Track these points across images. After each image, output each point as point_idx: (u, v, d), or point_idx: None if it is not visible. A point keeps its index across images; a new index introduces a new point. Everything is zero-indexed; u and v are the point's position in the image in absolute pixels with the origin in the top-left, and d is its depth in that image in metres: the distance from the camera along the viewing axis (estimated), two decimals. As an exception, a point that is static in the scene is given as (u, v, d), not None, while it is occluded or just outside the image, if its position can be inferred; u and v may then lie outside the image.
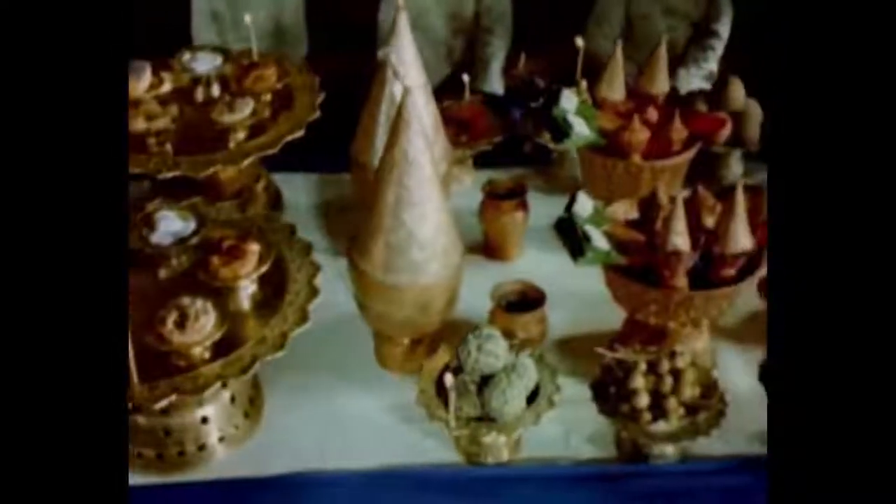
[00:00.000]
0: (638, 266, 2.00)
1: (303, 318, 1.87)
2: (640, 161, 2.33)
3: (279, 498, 1.89)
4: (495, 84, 3.40)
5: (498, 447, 1.93)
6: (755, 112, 2.66)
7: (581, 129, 2.32)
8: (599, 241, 1.98)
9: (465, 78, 2.81)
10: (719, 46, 3.35)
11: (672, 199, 2.05)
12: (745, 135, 2.64)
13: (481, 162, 2.80)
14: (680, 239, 1.91)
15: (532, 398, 1.91)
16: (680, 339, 2.08)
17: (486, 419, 1.86)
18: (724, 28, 3.30)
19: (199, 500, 1.89)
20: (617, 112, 2.45)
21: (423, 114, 2.24)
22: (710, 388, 1.92)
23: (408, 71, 2.25)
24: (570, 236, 2.00)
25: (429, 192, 1.94)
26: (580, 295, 2.24)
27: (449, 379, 1.82)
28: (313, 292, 1.93)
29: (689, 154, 2.37)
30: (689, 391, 1.88)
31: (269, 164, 2.63)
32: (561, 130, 2.32)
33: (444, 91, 3.23)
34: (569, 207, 2.06)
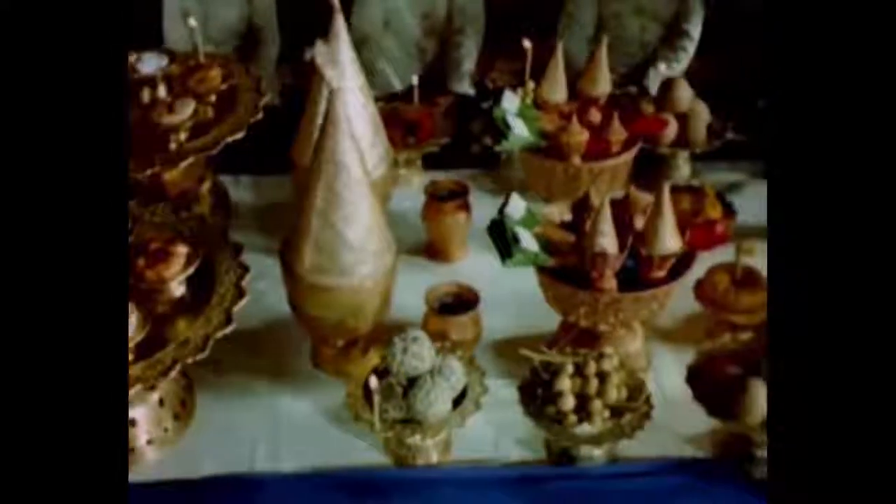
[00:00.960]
0: (569, 268, 2.00)
1: (227, 320, 1.86)
2: (578, 163, 2.34)
3: (207, 500, 1.89)
4: (467, 85, 3.41)
5: (427, 449, 1.93)
6: (701, 113, 2.67)
7: (520, 131, 2.32)
8: (529, 242, 1.98)
9: (415, 80, 2.81)
10: (690, 46, 3.35)
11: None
12: (690, 136, 2.64)
13: (431, 163, 2.81)
14: (606, 240, 1.91)
15: (460, 400, 1.91)
16: (613, 341, 2.08)
17: (412, 421, 1.86)
18: (694, 28, 3.30)
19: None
20: (560, 114, 2.45)
21: (357, 115, 2.25)
22: (637, 391, 1.92)
23: (344, 72, 2.25)
24: (500, 238, 2.00)
25: (358, 193, 1.94)
26: (522, 296, 2.23)
27: (373, 381, 1.82)
28: (240, 294, 1.93)
29: (629, 155, 2.37)
30: (615, 393, 1.88)
31: (225, 165, 2.65)
32: (500, 132, 2.32)
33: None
34: (501, 209, 2.06)
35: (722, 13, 3.47)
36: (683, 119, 2.64)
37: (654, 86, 3.23)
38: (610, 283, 1.96)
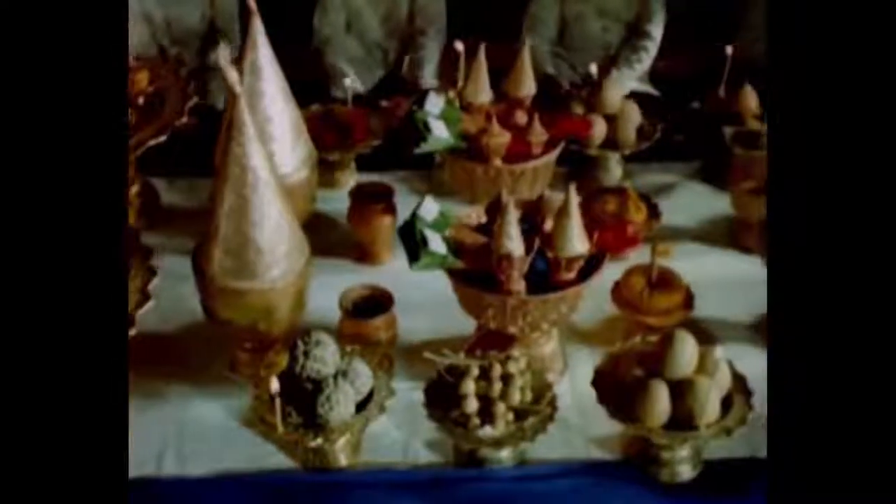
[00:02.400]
0: (479, 270, 2.00)
1: (130, 323, 1.86)
2: (499, 164, 2.33)
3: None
4: (429, 85, 3.40)
5: (335, 452, 1.93)
6: (631, 114, 2.67)
7: (440, 133, 2.32)
8: (437, 245, 1.98)
9: (348, 82, 2.81)
10: (652, 47, 3.37)
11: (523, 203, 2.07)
12: (619, 137, 2.64)
13: (367, 165, 2.81)
14: (512, 243, 1.91)
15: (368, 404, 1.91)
16: (528, 343, 2.08)
17: (314, 425, 1.86)
18: (656, 29, 3.32)
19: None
20: (487, 115, 2.44)
21: (276, 118, 2.25)
22: (542, 393, 1.91)
23: (264, 74, 2.24)
24: (410, 240, 2.00)
25: (266, 197, 1.94)
26: (447, 299, 2.22)
27: (274, 384, 1.82)
28: (145, 298, 1.92)
29: (550, 157, 2.37)
30: (519, 396, 1.88)
31: (163, 167, 2.67)
32: (420, 133, 2.31)
33: (379, 93, 3.26)
34: (413, 212, 2.06)
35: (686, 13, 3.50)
36: (612, 120, 2.64)
37: (616, 86, 3.25)
38: (518, 285, 1.96)
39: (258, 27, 2.25)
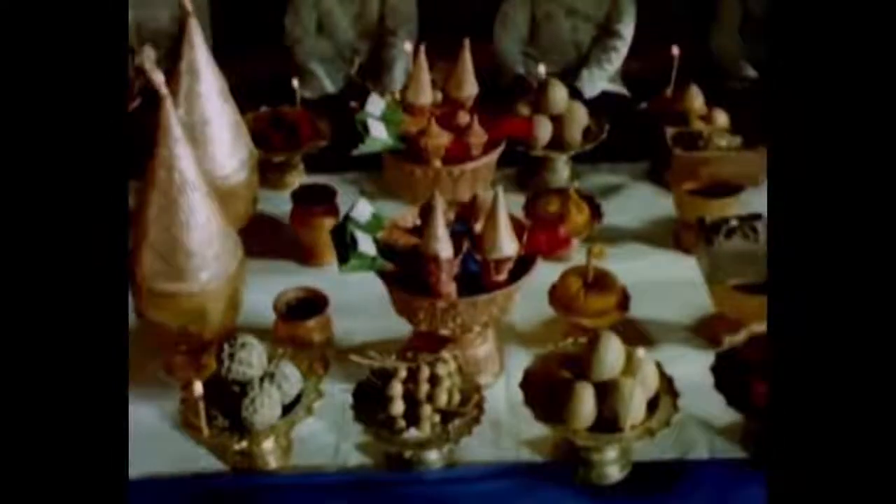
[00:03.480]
0: (412, 273, 2.00)
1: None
2: (438, 166, 2.33)
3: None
4: (400, 85, 3.39)
5: (264, 455, 1.93)
6: (577, 115, 2.67)
7: (379, 134, 2.32)
8: (367, 247, 1.98)
9: (295, 83, 2.80)
10: (622, 47, 3.38)
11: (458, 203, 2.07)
12: (565, 138, 2.64)
13: (316, 166, 2.80)
14: (440, 245, 1.91)
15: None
16: (463, 345, 2.08)
17: (239, 427, 1.85)
18: (626, 29, 3.33)
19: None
20: (431, 116, 2.44)
21: (214, 120, 2.25)
22: (471, 396, 1.91)
23: (202, 75, 2.24)
24: (341, 242, 2.00)
25: (195, 199, 1.94)
26: (387, 301, 2.22)
27: (198, 388, 1.82)
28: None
29: (490, 158, 2.37)
30: (446, 398, 1.88)
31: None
32: (359, 135, 2.31)
33: (350, 94, 3.25)
34: (346, 213, 2.06)
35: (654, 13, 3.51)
36: (558, 121, 2.64)
37: (586, 86, 3.25)
38: (448, 287, 1.95)
39: (194, 27, 2.24)
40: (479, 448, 1.98)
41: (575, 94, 3.21)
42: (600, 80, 3.31)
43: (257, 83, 3.12)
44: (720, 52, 3.35)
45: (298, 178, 2.77)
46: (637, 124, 2.81)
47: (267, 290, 2.19)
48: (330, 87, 3.34)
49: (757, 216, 2.11)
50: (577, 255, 2.34)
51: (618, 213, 2.62)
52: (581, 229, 2.41)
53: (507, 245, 1.94)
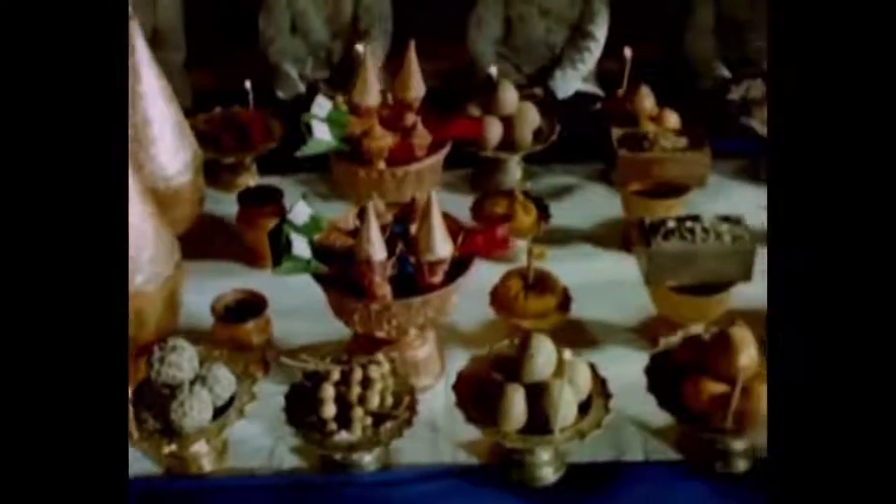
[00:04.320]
0: (348, 275, 1.99)
1: None
2: (381, 167, 2.33)
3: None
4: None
5: (198, 458, 1.92)
6: (528, 115, 2.66)
7: (322, 136, 2.31)
8: (302, 249, 1.97)
9: (248, 85, 2.79)
10: (595, 48, 3.37)
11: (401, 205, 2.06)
12: (515, 138, 2.64)
13: (269, 167, 2.80)
14: (373, 247, 1.90)
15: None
16: (403, 347, 2.08)
17: (169, 431, 1.84)
18: (599, 30, 3.33)
19: None
20: (374, 118, 2.43)
21: (155, 120, 2.24)
22: (404, 398, 1.91)
23: (142, 76, 2.23)
24: (276, 244, 1.99)
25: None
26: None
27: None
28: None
29: (434, 159, 2.36)
30: (377, 400, 1.87)
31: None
32: (302, 136, 2.31)
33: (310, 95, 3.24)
34: (283, 215, 2.05)
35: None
36: (508, 122, 2.63)
37: (559, 87, 3.25)
38: (382, 289, 1.95)
39: (135, 30, 2.23)
40: (416, 450, 1.97)
41: (549, 94, 3.24)
42: (573, 80, 3.31)
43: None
44: (693, 53, 3.35)
45: (251, 180, 2.76)
46: (590, 125, 2.80)
47: (211, 292, 2.18)
48: (303, 87, 3.33)
49: (695, 217, 2.10)
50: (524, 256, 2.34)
51: (568, 214, 2.61)
52: (527, 230, 2.40)
53: (441, 247, 1.93)
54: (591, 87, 3.38)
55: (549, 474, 1.90)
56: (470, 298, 2.23)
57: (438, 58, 3.45)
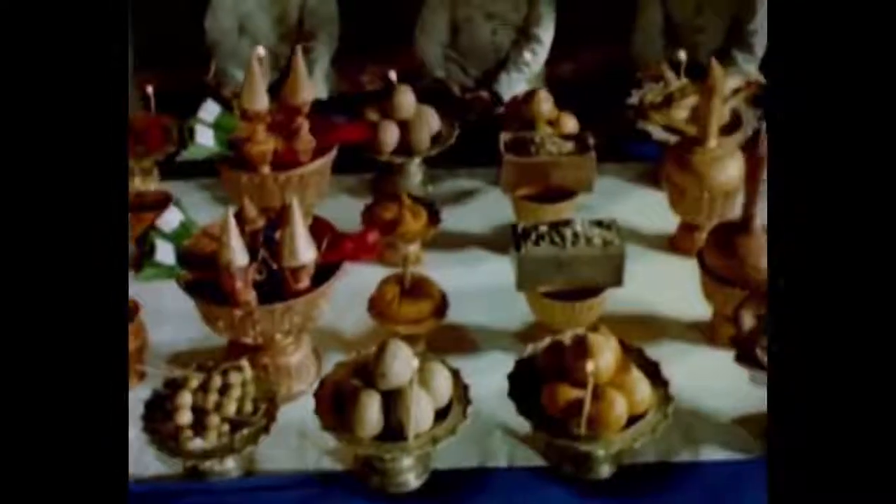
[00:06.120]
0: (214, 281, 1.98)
1: None
2: (265, 172, 2.32)
3: None
4: (319, 89, 3.37)
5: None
6: (425, 119, 2.66)
7: (205, 141, 2.29)
8: (166, 255, 1.96)
9: (150, 89, 2.78)
10: (541, 51, 3.38)
11: (274, 211, 2.06)
12: (412, 143, 2.63)
13: (171, 172, 2.78)
14: (233, 253, 1.89)
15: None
16: (275, 353, 2.07)
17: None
18: (545, 33, 3.34)
19: None
20: (256, 122, 2.41)
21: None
22: (264, 405, 1.90)
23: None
24: (141, 250, 1.98)
25: None
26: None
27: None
28: None
29: (318, 164, 2.35)
30: (234, 407, 1.86)
31: None
32: (183, 141, 2.30)
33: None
34: (152, 222, 2.05)
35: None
36: (405, 126, 2.62)
37: (504, 89, 3.25)
38: (246, 295, 1.94)
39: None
40: (283, 457, 1.97)
41: (496, 97, 3.24)
42: (518, 83, 3.31)
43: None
44: (640, 55, 3.35)
45: (152, 185, 2.75)
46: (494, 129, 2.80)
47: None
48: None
49: (566, 222, 2.10)
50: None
51: (465, 218, 2.61)
52: (416, 235, 2.40)
53: (304, 252, 1.93)
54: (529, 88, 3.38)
55: (410, 480, 1.89)
56: (354, 303, 2.23)
57: (386, 61, 3.47)
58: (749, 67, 3.31)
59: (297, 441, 1.99)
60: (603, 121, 2.71)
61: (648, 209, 2.62)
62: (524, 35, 3.37)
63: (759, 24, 3.26)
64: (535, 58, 3.38)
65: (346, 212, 2.49)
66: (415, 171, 2.72)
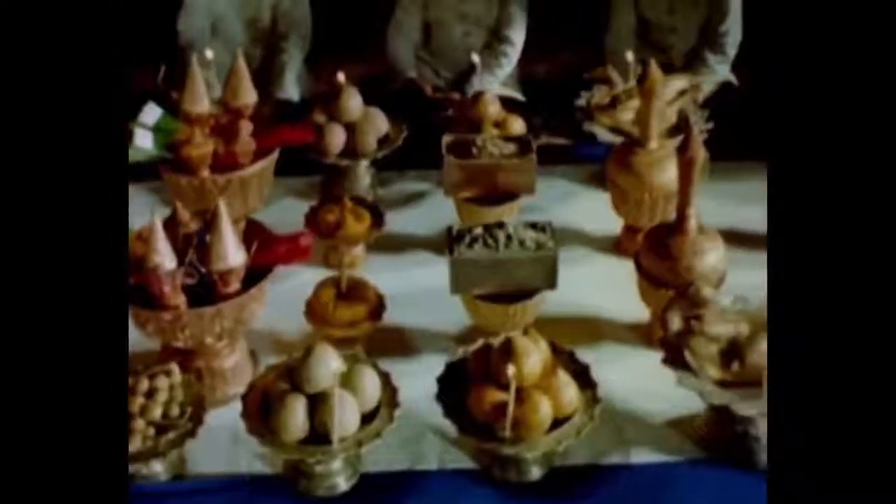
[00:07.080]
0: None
1: None
2: (204, 175, 2.31)
3: None
4: (291, 91, 3.40)
5: None
6: (373, 121, 2.65)
7: (143, 143, 2.29)
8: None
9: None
10: (512, 52, 3.39)
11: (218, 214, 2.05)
12: (359, 145, 2.62)
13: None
14: (159, 257, 1.89)
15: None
16: (209, 356, 2.07)
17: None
18: (516, 34, 3.35)
19: None
20: (210, 126, 2.41)
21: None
22: (191, 409, 1.89)
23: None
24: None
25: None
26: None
27: None
28: None
29: (258, 167, 2.35)
30: (160, 411, 1.86)
31: None
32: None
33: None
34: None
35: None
36: (352, 128, 2.62)
37: (475, 90, 3.24)
38: (175, 299, 1.93)
39: None
40: (214, 461, 1.96)
41: (466, 98, 3.23)
42: (489, 84, 3.30)
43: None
44: (613, 56, 3.35)
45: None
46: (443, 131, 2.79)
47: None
48: (217, 93, 3.31)
49: (500, 224, 2.10)
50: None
51: (409, 220, 2.61)
52: (359, 238, 2.39)
53: (232, 256, 1.92)
54: (510, 91, 3.38)
55: (340, 483, 1.89)
56: (293, 307, 2.22)
57: (358, 63, 3.47)
58: (721, 68, 3.32)
59: (229, 444, 1.98)
60: (561, 122, 2.72)
61: (596, 211, 2.61)
62: (495, 36, 3.39)
63: (731, 26, 3.26)
64: (507, 59, 3.40)
65: (292, 214, 2.49)
66: (363, 174, 2.71)
